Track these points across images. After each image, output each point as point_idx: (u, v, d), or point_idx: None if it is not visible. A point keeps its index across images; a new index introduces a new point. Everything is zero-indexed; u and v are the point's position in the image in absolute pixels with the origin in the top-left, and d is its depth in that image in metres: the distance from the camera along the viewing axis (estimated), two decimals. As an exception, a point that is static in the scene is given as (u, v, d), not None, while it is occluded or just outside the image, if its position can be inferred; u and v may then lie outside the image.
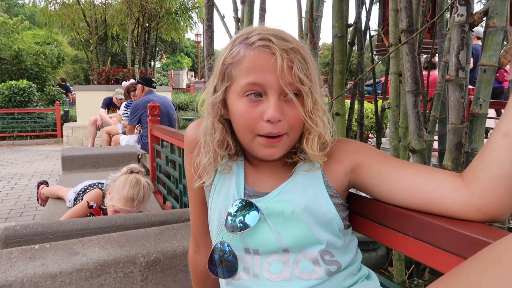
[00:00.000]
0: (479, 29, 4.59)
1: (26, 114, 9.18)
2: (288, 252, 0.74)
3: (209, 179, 0.80)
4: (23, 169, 5.90)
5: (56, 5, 10.55)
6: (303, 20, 1.97)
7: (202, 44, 21.96)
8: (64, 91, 13.86)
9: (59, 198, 2.57)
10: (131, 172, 2.03)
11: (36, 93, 10.05)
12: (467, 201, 0.63)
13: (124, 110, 4.86)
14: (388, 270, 2.21)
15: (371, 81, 7.74)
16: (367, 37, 2.50)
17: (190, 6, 11.82)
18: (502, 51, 1.24)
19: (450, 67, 1.25)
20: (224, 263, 0.77)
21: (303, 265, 0.74)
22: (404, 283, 1.81)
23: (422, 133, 1.41)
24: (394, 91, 1.93)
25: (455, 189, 0.65)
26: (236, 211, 0.75)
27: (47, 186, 2.89)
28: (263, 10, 2.01)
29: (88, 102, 8.23)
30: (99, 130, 5.83)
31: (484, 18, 1.26)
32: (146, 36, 11.38)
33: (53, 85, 14.20)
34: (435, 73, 4.64)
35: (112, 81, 8.75)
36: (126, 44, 11.71)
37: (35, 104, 9.89)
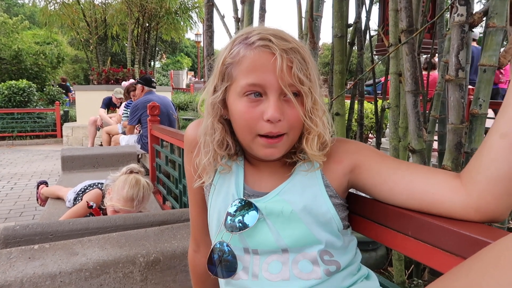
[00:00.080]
0: (474, 31, 4.60)
1: (26, 114, 9.18)
2: (287, 252, 0.74)
3: (209, 179, 0.81)
4: (22, 169, 5.90)
5: (56, 5, 10.56)
6: (303, 20, 1.97)
7: (202, 44, 21.97)
8: (64, 91, 13.86)
9: (59, 198, 2.56)
10: (131, 172, 2.03)
11: (35, 93, 10.05)
12: (465, 202, 0.63)
13: (124, 110, 4.86)
14: (387, 270, 2.21)
15: (371, 81, 7.74)
16: (367, 37, 2.50)
17: (190, 6, 11.82)
18: (502, 51, 1.24)
19: (450, 67, 1.25)
20: (223, 263, 0.77)
21: (302, 265, 0.74)
22: (403, 283, 1.81)
23: (422, 133, 1.41)
24: (394, 91, 1.93)
25: (454, 190, 0.65)
26: (236, 211, 0.75)
27: (47, 186, 2.88)
28: (263, 10, 2.01)
29: (88, 102, 8.23)
30: (98, 130, 5.83)
31: (484, 18, 1.26)
32: (146, 36, 11.38)
33: (52, 85, 14.20)
34: (435, 73, 4.64)
35: (112, 81, 8.75)
36: (126, 44, 11.71)
37: (34, 104, 9.89)
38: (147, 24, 11.26)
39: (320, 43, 1.94)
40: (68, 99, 14.16)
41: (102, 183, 2.25)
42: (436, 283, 0.54)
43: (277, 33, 0.69)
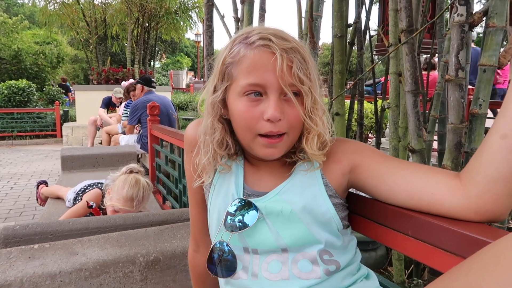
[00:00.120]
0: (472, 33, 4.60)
1: (26, 114, 9.18)
2: (287, 251, 0.74)
3: (209, 178, 0.81)
4: (22, 169, 5.90)
5: (55, 4, 10.56)
6: (303, 20, 1.97)
7: (202, 44, 21.96)
8: (63, 91, 13.86)
9: (59, 198, 2.56)
10: (131, 172, 2.03)
11: (35, 92, 10.05)
12: (465, 203, 0.63)
13: (123, 110, 4.86)
14: (387, 270, 2.21)
15: (370, 81, 7.75)
16: (367, 37, 2.50)
17: (189, 6, 11.82)
18: (501, 51, 1.24)
19: (449, 67, 1.25)
20: (223, 263, 0.77)
21: (302, 264, 0.74)
22: (403, 282, 1.81)
23: (422, 133, 1.41)
24: (394, 91, 1.93)
25: (453, 191, 0.64)
26: (235, 211, 0.75)
27: (47, 186, 2.88)
28: (263, 10, 2.01)
29: (87, 102, 8.23)
30: (98, 130, 5.83)
31: (484, 18, 1.26)
32: (146, 36, 11.38)
33: (52, 85, 14.19)
34: (434, 73, 4.64)
35: (112, 81, 8.74)
36: (126, 44, 11.71)
37: (34, 104, 9.88)
38: (147, 24, 11.26)
39: (320, 43, 1.94)
40: (68, 99, 14.16)
41: (102, 183, 2.25)
42: (436, 283, 0.54)
43: (277, 32, 0.69)
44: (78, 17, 10.84)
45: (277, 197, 0.75)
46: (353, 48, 2.44)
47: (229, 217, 0.76)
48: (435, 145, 2.26)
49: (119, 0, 10.72)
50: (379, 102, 2.57)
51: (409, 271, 1.98)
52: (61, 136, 8.82)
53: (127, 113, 4.55)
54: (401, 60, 1.69)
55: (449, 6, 1.49)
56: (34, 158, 6.93)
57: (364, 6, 2.36)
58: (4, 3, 26.54)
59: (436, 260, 0.66)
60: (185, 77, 26.31)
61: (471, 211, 0.63)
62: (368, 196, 0.80)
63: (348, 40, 2.26)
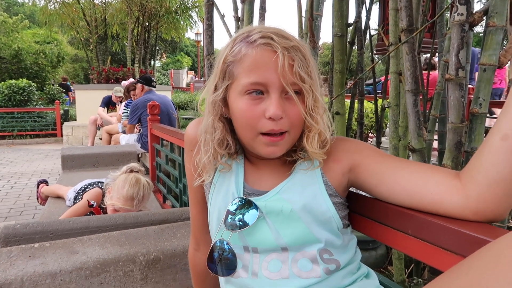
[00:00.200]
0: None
1: (26, 113, 9.18)
2: (287, 250, 0.74)
3: (209, 177, 0.81)
4: (22, 168, 5.90)
5: (55, 4, 10.56)
6: (303, 19, 1.96)
7: (202, 43, 21.96)
8: (64, 90, 13.86)
9: (59, 197, 2.57)
10: (131, 171, 2.04)
11: (36, 92, 10.05)
12: (464, 204, 0.63)
13: (124, 109, 4.86)
14: (387, 269, 2.21)
15: (371, 81, 7.74)
16: (367, 36, 2.49)
17: (190, 5, 11.83)
18: (502, 50, 1.24)
19: (450, 66, 1.25)
20: (223, 261, 0.77)
21: (302, 263, 0.74)
22: (403, 282, 1.81)
23: (422, 132, 1.41)
24: (394, 90, 1.93)
25: (452, 191, 0.64)
26: (236, 209, 0.75)
27: (47, 185, 2.89)
28: (263, 9, 2.01)
29: (88, 101, 8.23)
30: (99, 130, 5.83)
31: (484, 18, 1.26)
32: (146, 35, 11.38)
33: (52, 84, 14.20)
34: (435, 72, 4.64)
35: (112, 80, 8.75)
36: (126, 43, 11.71)
37: (34, 103, 9.89)
38: (147, 23, 11.26)
39: (320, 42, 1.94)
40: (68, 98, 14.17)
41: (102, 182, 2.25)
42: (436, 282, 0.54)
43: (278, 31, 0.69)
44: (78, 17, 10.84)
45: (277, 196, 0.75)
46: (353, 47, 2.44)
47: (229, 216, 0.76)
48: (435, 144, 2.26)
49: (119, 0, 10.72)
50: (379, 101, 2.57)
51: (409, 270, 1.98)
52: (62, 136, 8.82)
53: (127, 112, 4.55)
54: (401, 59, 1.68)
55: (449, 6, 1.49)
56: (35, 157, 6.94)
57: (364, 5, 2.36)
58: (4, 3, 26.54)
59: (436, 259, 0.66)
60: (185, 77, 26.32)
61: (471, 211, 0.63)
62: (368, 195, 0.80)
63: (348, 40, 2.26)
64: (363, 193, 0.81)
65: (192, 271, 0.98)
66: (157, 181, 3.27)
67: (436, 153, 2.25)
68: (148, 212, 1.79)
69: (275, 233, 0.74)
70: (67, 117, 9.48)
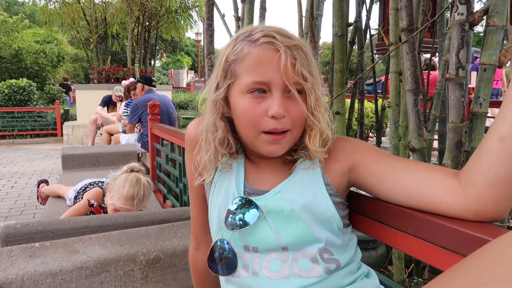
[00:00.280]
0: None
1: (26, 113, 9.19)
2: (287, 250, 0.74)
3: (209, 176, 0.81)
4: (23, 168, 5.90)
5: (56, 3, 10.56)
6: (303, 19, 1.96)
7: (202, 43, 21.96)
8: (64, 90, 13.87)
9: (59, 197, 2.57)
10: (132, 171, 2.04)
11: (36, 91, 10.05)
12: (464, 205, 0.63)
13: (124, 109, 4.86)
14: (388, 269, 2.21)
15: (371, 80, 7.73)
16: (368, 36, 2.49)
17: (190, 4, 11.82)
18: (502, 50, 1.24)
19: (450, 66, 1.25)
20: (223, 261, 0.78)
21: (302, 263, 0.74)
22: (403, 281, 1.81)
23: (422, 132, 1.42)
24: (394, 90, 1.93)
25: (451, 192, 0.64)
26: (236, 209, 0.75)
27: (47, 184, 2.89)
28: (263, 8, 2.01)
29: (88, 101, 8.23)
30: (99, 129, 5.83)
31: (484, 17, 1.26)
32: (146, 35, 11.38)
33: (53, 84, 14.20)
34: (435, 72, 4.64)
35: (112, 80, 8.75)
36: (126, 43, 11.71)
37: (35, 102, 9.89)
38: (147, 23, 11.25)
39: (320, 42, 1.94)
40: (68, 98, 14.17)
41: (103, 182, 2.25)
42: (436, 281, 0.54)
43: (280, 30, 0.70)
44: (78, 16, 10.84)
45: (278, 196, 0.75)
46: (354, 47, 2.44)
47: (229, 215, 0.76)
48: (435, 144, 2.26)
49: (119, -1, 10.73)
50: (380, 101, 2.57)
51: (409, 270, 1.98)
52: (62, 135, 8.82)
53: (127, 112, 4.55)
54: (402, 59, 1.69)
55: (450, 5, 1.49)
56: (35, 157, 6.94)
57: (364, 5, 2.36)
58: (4, 2, 26.55)
59: (436, 258, 0.66)
60: (186, 76, 26.32)
61: (471, 212, 0.63)
62: (368, 195, 0.80)
63: (348, 39, 2.26)
64: (364, 193, 0.81)
65: (193, 271, 0.98)
66: (158, 181, 3.28)
67: (436, 152, 2.25)
68: (149, 211, 1.79)
69: (276, 233, 0.74)
70: (67, 116, 9.49)
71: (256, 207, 0.75)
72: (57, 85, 14.10)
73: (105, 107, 6.06)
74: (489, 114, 1.68)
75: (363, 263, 0.83)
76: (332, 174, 0.76)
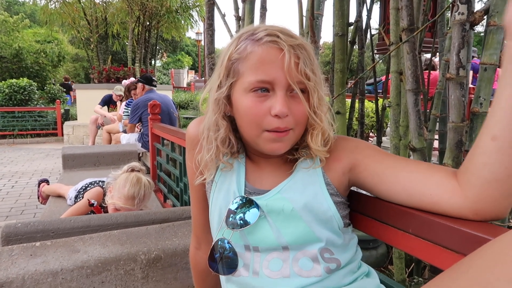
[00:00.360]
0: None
1: (27, 113, 9.19)
2: (288, 249, 0.74)
3: (210, 176, 0.81)
4: (23, 168, 5.91)
5: (56, 3, 10.57)
6: (304, 18, 1.97)
7: (202, 42, 21.96)
8: (64, 90, 13.88)
9: (60, 196, 2.57)
10: (132, 170, 2.04)
11: (36, 91, 10.05)
12: (463, 205, 0.63)
13: (124, 108, 4.86)
14: (388, 269, 2.21)
15: (371, 80, 7.74)
16: (368, 35, 2.50)
17: (190, 4, 11.82)
18: (502, 49, 1.24)
19: (450, 66, 1.25)
20: (224, 260, 0.78)
21: (303, 262, 0.74)
22: (404, 281, 1.81)
23: (423, 131, 1.42)
24: (395, 89, 1.93)
25: (451, 192, 0.64)
26: (237, 208, 0.76)
27: (48, 184, 2.89)
28: (264, 8, 2.01)
29: (88, 100, 8.23)
30: (99, 129, 5.83)
31: (485, 17, 1.26)
32: (147, 34, 11.38)
33: (53, 84, 14.21)
34: (435, 72, 4.64)
35: (113, 80, 8.75)
36: (127, 43, 11.71)
37: (35, 102, 9.89)
38: (148, 23, 11.26)
39: (321, 41, 1.94)
40: (69, 98, 14.17)
41: (103, 181, 2.26)
42: (436, 280, 0.54)
43: (283, 29, 0.70)
44: (79, 16, 10.85)
45: (279, 195, 0.75)
46: (354, 47, 2.44)
47: (230, 215, 0.76)
48: (436, 144, 2.26)
49: (119, -1, 10.73)
50: (380, 101, 2.57)
51: (409, 270, 1.98)
52: (62, 135, 8.83)
53: (128, 111, 4.55)
54: (402, 58, 1.69)
55: (450, 5, 1.49)
56: (35, 156, 6.94)
57: (365, 4, 2.36)
58: (5, 2, 26.54)
59: (437, 257, 0.66)
60: (186, 76, 26.32)
61: (471, 212, 0.63)
62: (369, 194, 0.80)
63: (349, 39, 2.26)
64: (365, 192, 0.81)
65: (193, 270, 0.98)
66: (158, 180, 3.28)
67: (437, 152, 2.25)
68: (149, 211, 1.79)
69: (276, 232, 0.74)
70: (67, 116, 9.49)
71: (257, 206, 0.75)
72: (58, 84, 14.11)
73: (105, 106, 6.06)
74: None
75: (363, 262, 0.83)
76: (333, 174, 0.76)
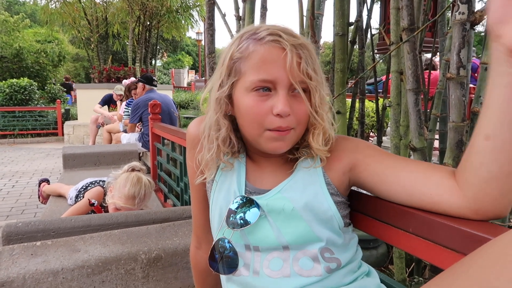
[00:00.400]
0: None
1: (27, 112, 9.20)
2: (288, 249, 0.75)
3: (211, 175, 0.81)
4: (24, 167, 5.91)
5: (57, 3, 10.58)
6: (304, 18, 1.97)
7: (203, 42, 21.96)
8: (65, 90, 13.89)
9: (60, 196, 2.57)
10: (133, 170, 2.04)
11: (37, 91, 10.05)
12: (463, 205, 0.63)
13: (125, 108, 4.87)
14: (388, 268, 2.21)
15: (372, 80, 7.73)
16: (368, 35, 2.50)
17: (191, 4, 11.82)
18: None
19: (451, 65, 1.25)
20: (224, 259, 0.78)
21: (303, 262, 0.74)
22: (404, 280, 1.81)
23: (423, 131, 1.42)
24: (395, 89, 1.93)
25: (450, 192, 0.64)
26: (237, 208, 0.76)
27: (48, 184, 2.89)
28: (264, 8, 2.01)
29: (89, 100, 8.23)
30: (100, 128, 5.83)
31: (485, 16, 1.26)
32: (147, 34, 11.38)
33: (54, 83, 14.21)
34: (436, 72, 4.64)
35: (113, 79, 8.76)
36: (127, 43, 11.71)
37: (36, 102, 9.89)
38: (148, 23, 11.26)
39: (321, 41, 1.94)
40: (69, 98, 14.18)
41: (104, 181, 2.26)
42: (437, 280, 0.54)
43: (285, 29, 0.70)
44: (79, 16, 10.85)
45: (279, 195, 0.75)
46: (355, 46, 2.44)
47: (231, 214, 0.76)
48: (436, 143, 2.26)
49: (120, -1, 10.73)
50: (381, 100, 2.57)
51: (410, 269, 1.98)
52: (63, 135, 8.83)
53: (128, 111, 4.55)
54: (403, 58, 1.69)
55: (451, 5, 1.49)
56: (36, 156, 6.95)
57: (365, 4, 2.36)
58: (5, 2, 26.54)
59: (437, 257, 0.66)
60: (186, 76, 26.31)
61: (471, 211, 0.63)
62: (370, 194, 0.80)
63: (349, 39, 2.26)
64: (365, 192, 0.81)
65: (194, 269, 0.98)
66: (158, 180, 3.28)
67: (437, 152, 2.25)
68: (150, 210, 1.80)
69: (277, 232, 0.74)
70: (68, 116, 9.50)
71: (257, 206, 0.75)
72: (58, 84, 14.12)
73: (105, 106, 6.06)
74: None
75: (364, 262, 0.83)
76: (333, 174, 0.76)
